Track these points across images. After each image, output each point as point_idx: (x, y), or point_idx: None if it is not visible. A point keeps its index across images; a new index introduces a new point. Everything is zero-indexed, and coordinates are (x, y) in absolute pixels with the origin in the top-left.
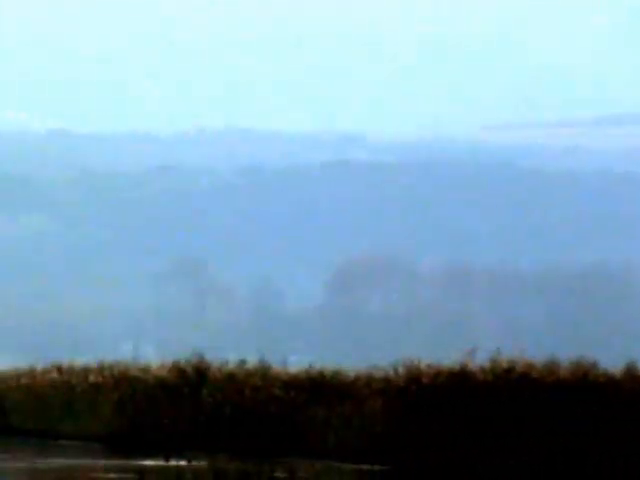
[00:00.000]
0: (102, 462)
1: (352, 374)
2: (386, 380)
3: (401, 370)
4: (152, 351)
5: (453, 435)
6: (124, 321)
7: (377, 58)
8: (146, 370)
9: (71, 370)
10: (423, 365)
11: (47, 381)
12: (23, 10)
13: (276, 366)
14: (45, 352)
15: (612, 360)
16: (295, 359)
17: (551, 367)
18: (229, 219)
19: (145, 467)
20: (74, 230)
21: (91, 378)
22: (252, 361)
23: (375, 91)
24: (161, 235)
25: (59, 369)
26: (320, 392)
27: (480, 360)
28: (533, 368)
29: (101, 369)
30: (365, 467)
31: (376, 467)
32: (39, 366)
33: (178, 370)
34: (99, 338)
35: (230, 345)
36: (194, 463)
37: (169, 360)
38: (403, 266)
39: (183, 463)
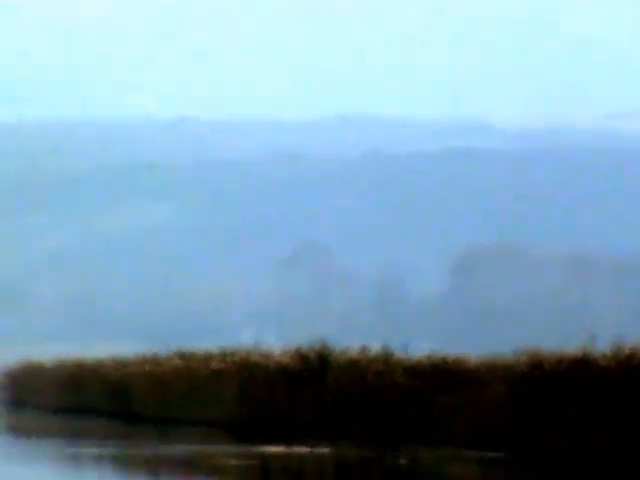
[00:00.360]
0: (224, 448)
1: (474, 361)
2: (508, 367)
3: (523, 357)
4: (274, 338)
5: (576, 422)
6: (246, 308)
7: (503, 48)
8: (268, 357)
9: (194, 357)
10: (545, 352)
11: (170, 368)
12: (151, 6)
13: (399, 352)
14: (168, 339)
15: None
16: (417, 345)
17: None
18: (353, 205)
19: (267, 453)
20: (199, 217)
21: (213, 365)
22: (374, 347)
23: (500, 79)
24: (285, 221)
25: (182, 356)
26: (442, 379)
27: (602, 347)
28: None
29: (223, 356)
30: (487, 454)
31: (498, 454)
32: (162, 353)
33: (300, 356)
34: (222, 325)
35: (352, 331)
36: (316, 450)
37: (291, 346)
38: (526, 254)
39: (305, 450)
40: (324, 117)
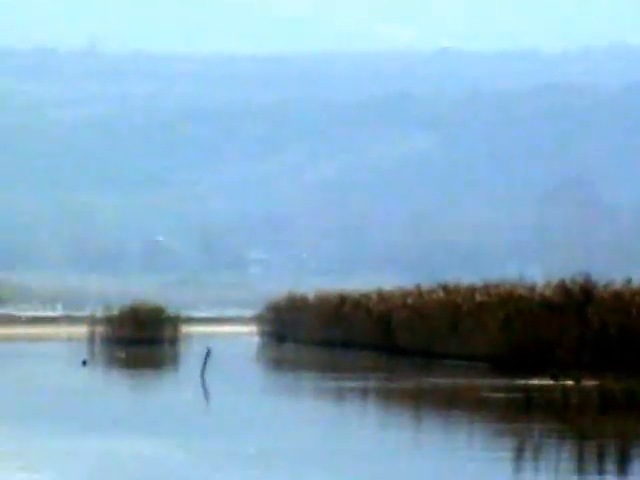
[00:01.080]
0: (488, 381)
1: None
2: None
3: None
4: (537, 270)
5: None
6: (510, 240)
7: None
8: (532, 289)
9: (457, 289)
10: None
11: (433, 301)
12: None
13: None
14: (431, 272)
15: None
16: None
17: None
18: (615, 137)
19: (532, 386)
20: (460, 148)
21: (477, 297)
22: (638, 280)
23: None
24: (547, 153)
25: (445, 288)
26: None
27: None
28: None
29: (487, 288)
30: None
31: None
32: (425, 286)
33: (564, 289)
34: (485, 257)
35: (616, 264)
36: (581, 383)
37: (554, 279)
38: None
39: (570, 383)
40: (585, 48)
